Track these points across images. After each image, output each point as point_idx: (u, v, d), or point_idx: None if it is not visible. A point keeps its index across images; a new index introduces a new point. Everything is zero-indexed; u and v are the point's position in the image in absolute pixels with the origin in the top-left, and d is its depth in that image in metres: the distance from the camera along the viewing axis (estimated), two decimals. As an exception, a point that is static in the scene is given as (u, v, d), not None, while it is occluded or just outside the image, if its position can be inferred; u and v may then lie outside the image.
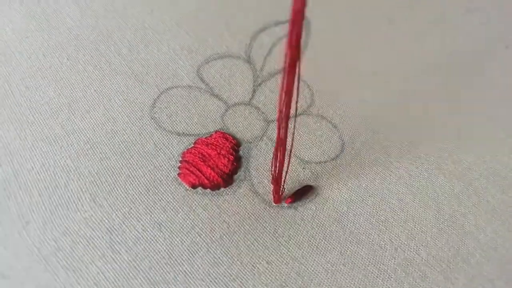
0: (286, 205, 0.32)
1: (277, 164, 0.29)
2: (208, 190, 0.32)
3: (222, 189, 0.33)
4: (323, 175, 0.34)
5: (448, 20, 0.45)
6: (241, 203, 0.32)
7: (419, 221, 0.33)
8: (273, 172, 0.30)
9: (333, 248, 0.31)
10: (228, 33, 0.42)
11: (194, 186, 0.32)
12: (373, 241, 0.32)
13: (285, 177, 0.30)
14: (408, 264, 0.31)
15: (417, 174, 0.35)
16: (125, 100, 0.37)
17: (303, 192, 0.33)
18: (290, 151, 0.29)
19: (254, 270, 0.30)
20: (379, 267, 0.30)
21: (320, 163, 0.35)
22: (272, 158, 0.29)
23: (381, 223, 0.32)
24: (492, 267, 0.31)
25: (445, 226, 0.33)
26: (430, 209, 0.33)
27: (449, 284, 0.30)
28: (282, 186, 0.31)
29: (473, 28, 0.45)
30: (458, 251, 0.32)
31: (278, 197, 0.32)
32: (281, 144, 0.27)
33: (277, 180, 0.30)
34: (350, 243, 0.31)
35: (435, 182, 0.35)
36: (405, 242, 0.32)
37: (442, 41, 0.44)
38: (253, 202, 0.32)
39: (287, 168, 0.30)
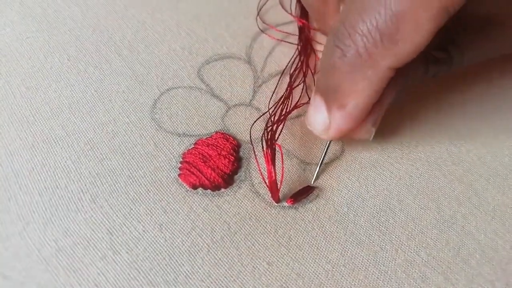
0: (287, 205, 0.32)
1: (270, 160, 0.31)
2: (209, 191, 0.32)
3: (222, 189, 0.33)
4: (323, 176, 0.34)
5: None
6: (242, 203, 0.32)
7: (419, 222, 0.33)
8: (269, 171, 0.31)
9: (334, 249, 0.31)
10: (229, 34, 0.42)
11: (194, 187, 0.32)
12: (373, 242, 0.32)
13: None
14: (408, 265, 0.31)
15: (417, 175, 0.35)
16: (125, 100, 0.37)
17: (304, 193, 0.33)
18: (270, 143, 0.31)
19: (254, 271, 0.30)
20: (380, 268, 0.30)
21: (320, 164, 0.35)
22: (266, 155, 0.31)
23: (381, 224, 0.32)
24: (492, 268, 0.31)
25: (445, 227, 0.33)
26: (430, 210, 0.33)
27: (449, 285, 0.30)
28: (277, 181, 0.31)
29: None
30: (458, 252, 0.32)
31: (276, 194, 0.32)
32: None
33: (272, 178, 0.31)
34: (351, 244, 0.31)
35: (435, 183, 0.35)
36: (406, 243, 0.32)
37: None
38: (254, 203, 0.32)
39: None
